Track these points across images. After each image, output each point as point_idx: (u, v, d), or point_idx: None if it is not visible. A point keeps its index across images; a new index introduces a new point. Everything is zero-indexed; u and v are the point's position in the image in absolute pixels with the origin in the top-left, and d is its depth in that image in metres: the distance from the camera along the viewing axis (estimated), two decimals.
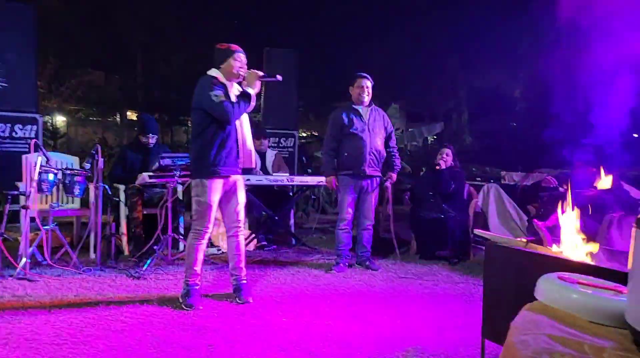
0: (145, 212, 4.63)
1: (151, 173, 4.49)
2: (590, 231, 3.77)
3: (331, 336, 2.69)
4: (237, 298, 3.26)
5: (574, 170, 4.31)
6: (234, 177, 3.23)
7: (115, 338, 2.57)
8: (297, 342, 2.58)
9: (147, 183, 4.49)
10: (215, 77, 3.12)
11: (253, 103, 3.15)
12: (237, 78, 3.18)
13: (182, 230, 4.68)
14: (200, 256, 3.24)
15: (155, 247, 4.17)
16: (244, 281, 3.34)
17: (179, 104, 14.91)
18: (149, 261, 4.01)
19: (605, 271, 1.83)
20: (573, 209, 2.34)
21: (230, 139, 3.15)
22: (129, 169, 4.75)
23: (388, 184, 4.50)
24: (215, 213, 3.21)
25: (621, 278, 1.66)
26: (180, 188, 4.52)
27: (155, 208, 4.41)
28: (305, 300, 3.35)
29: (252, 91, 3.13)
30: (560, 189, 4.29)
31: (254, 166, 3.35)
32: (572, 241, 2.22)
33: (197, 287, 3.23)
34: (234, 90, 3.20)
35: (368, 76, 4.32)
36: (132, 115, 18.85)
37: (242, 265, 3.35)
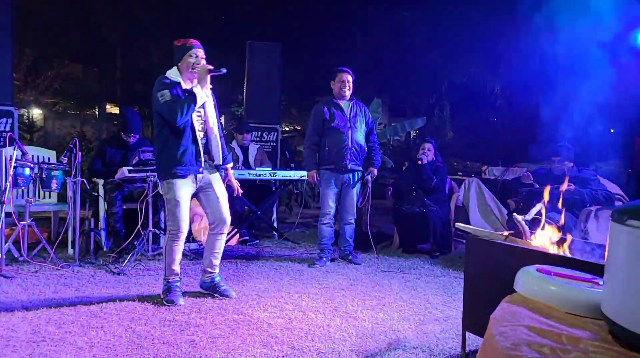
0: (125, 207, 4.56)
1: (131, 167, 4.44)
2: (568, 225, 3.85)
3: (313, 330, 2.69)
4: (218, 295, 3.23)
5: (552, 165, 4.39)
6: (202, 174, 3.16)
7: (94, 335, 2.53)
8: (279, 337, 2.58)
9: (126, 177, 4.43)
10: (167, 77, 3.07)
11: (201, 101, 3.04)
12: (194, 74, 3.09)
13: (162, 225, 4.62)
14: (178, 257, 3.19)
15: (135, 242, 4.12)
16: (219, 278, 3.31)
17: None
18: (129, 257, 3.96)
19: (582, 264, 1.87)
20: (549, 204, 2.38)
21: (185, 138, 3.05)
22: (108, 164, 4.68)
23: (369, 179, 4.51)
24: (186, 211, 3.13)
25: (597, 270, 1.70)
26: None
27: (135, 203, 4.35)
28: (288, 295, 3.35)
29: (199, 90, 3.02)
30: (536, 185, 4.36)
31: (220, 162, 3.25)
32: (548, 234, 2.26)
33: (177, 283, 3.20)
34: (198, 88, 3.06)
35: (349, 71, 4.32)
36: (111, 108, 18.53)
37: (218, 263, 3.32)
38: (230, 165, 3.42)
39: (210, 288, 3.27)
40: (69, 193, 4.23)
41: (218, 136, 3.25)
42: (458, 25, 11.76)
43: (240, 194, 3.51)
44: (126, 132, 4.74)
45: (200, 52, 3.10)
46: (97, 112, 18.19)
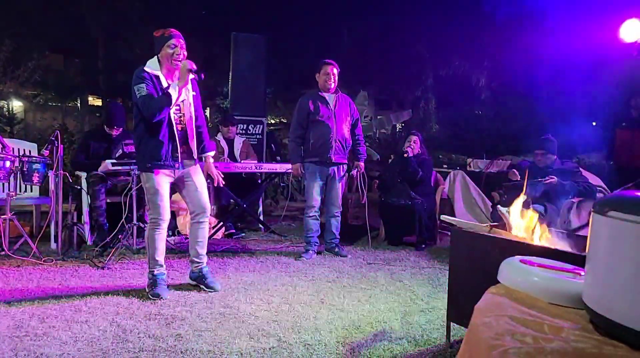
0: (108, 200, 4.51)
1: (114, 161, 4.38)
2: (550, 216, 3.91)
3: (300, 322, 2.70)
4: (204, 287, 3.23)
5: (535, 158, 4.44)
6: (182, 167, 3.14)
7: (78, 330, 2.50)
8: (266, 329, 2.58)
9: (110, 170, 4.37)
10: (145, 70, 3.02)
11: (178, 100, 3.00)
12: (176, 66, 3.04)
13: (147, 219, 4.58)
14: (161, 246, 3.18)
15: (119, 236, 4.08)
16: (207, 268, 3.30)
17: None
18: (113, 251, 3.91)
19: (564, 255, 1.90)
20: (532, 196, 2.41)
21: (162, 133, 3.03)
22: (92, 157, 4.61)
23: (355, 173, 4.51)
24: (166, 198, 3.13)
25: (579, 261, 1.73)
26: None
27: (119, 196, 4.30)
28: (274, 288, 3.35)
29: (175, 91, 2.96)
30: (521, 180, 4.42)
31: (196, 155, 3.24)
32: (529, 226, 2.29)
33: (163, 276, 3.18)
34: (175, 88, 3.00)
35: (334, 63, 4.31)
36: (93, 101, 18.23)
37: (204, 251, 3.31)
38: (211, 153, 3.39)
39: (198, 278, 3.27)
40: (51, 187, 4.16)
41: (201, 127, 3.23)
42: (443, 19, 11.81)
43: (222, 185, 3.49)
44: (110, 125, 4.68)
45: (180, 42, 3.04)
46: (79, 105, 17.88)
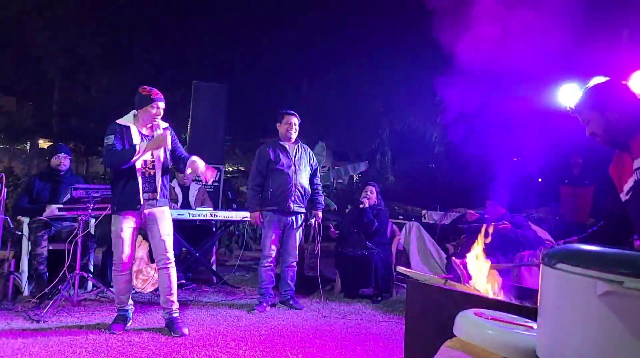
0: (51, 248, 4.25)
1: (61, 205, 4.17)
2: (504, 269, 3.98)
3: None
4: (171, 332, 3.26)
5: (485, 209, 4.58)
6: (148, 210, 3.31)
7: None
8: None
9: (56, 215, 4.15)
10: (117, 123, 3.25)
11: (144, 156, 3.21)
12: (152, 123, 3.29)
13: (91, 268, 4.34)
14: (124, 288, 3.35)
15: (59, 286, 3.81)
16: (176, 314, 3.38)
17: (98, 133, 14.13)
18: (51, 303, 3.64)
19: (517, 307, 1.92)
20: (486, 244, 2.46)
21: (126, 179, 3.23)
22: (36, 200, 4.37)
23: (313, 222, 4.50)
24: (127, 243, 3.28)
25: (532, 313, 1.74)
26: (93, 222, 4.22)
27: (63, 243, 4.06)
28: (224, 343, 3.19)
29: (142, 146, 3.17)
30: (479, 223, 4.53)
31: (163, 201, 3.41)
32: (482, 278, 2.31)
33: (123, 313, 3.35)
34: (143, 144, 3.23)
35: (295, 114, 4.38)
36: (44, 144, 17.61)
37: (174, 298, 3.38)
38: (194, 157, 3.44)
39: (168, 324, 3.34)
40: None
41: (182, 154, 3.47)
42: (399, 76, 12.39)
43: (209, 183, 3.55)
44: (56, 152, 4.51)
45: (162, 105, 3.31)
46: (28, 148, 17.20)
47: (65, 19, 12.63)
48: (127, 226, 3.28)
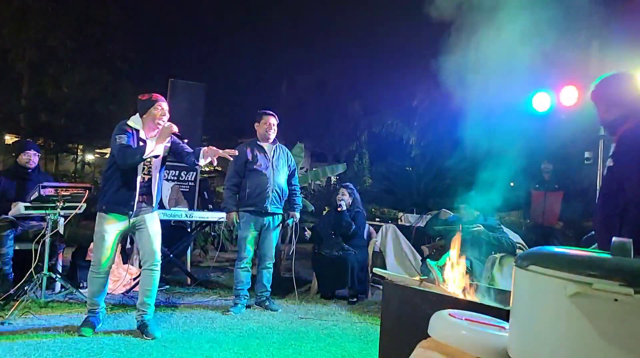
0: (17, 247, 4.11)
1: (28, 204, 4.04)
2: (476, 271, 4.04)
3: None
4: (144, 335, 3.20)
5: (460, 211, 4.64)
6: (139, 216, 3.31)
7: None
8: None
9: (22, 214, 4.02)
10: (127, 124, 3.27)
11: (152, 154, 3.24)
12: (158, 126, 3.32)
13: (59, 268, 4.22)
14: (97, 289, 3.28)
15: (26, 287, 3.69)
16: (150, 317, 3.32)
17: (68, 130, 13.79)
18: (17, 304, 3.52)
19: (490, 309, 1.95)
20: (458, 251, 2.49)
21: (124, 181, 3.24)
22: (1, 198, 4.22)
23: (290, 223, 4.48)
24: (109, 245, 3.24)
25: (504, 314, 1.77)
26: (62, 221, 4.09)
27: (30, 243, 3.93)
28: (198, 345, 3.14)
29: (151, 144, 3.23)
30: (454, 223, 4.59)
31: (154, 206, 3.42)
32: (456, 280, 2.34)
33: (93, 315, 3.27)
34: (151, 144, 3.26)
35: (274, 114, 4.35)
36: (11, 140, 17.08)
37: (152, 301, 3.34)
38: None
39: (140, 326, 3.27)
40: None
41: (187, 149, 3.48)
42: (378, 80, 12.49)
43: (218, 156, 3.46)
44: (24, 149, 4.37)
45: (165, 105, 3.35)
46: None
47: (34, 9, 12.29)
48: (113, 227, 3.25)
